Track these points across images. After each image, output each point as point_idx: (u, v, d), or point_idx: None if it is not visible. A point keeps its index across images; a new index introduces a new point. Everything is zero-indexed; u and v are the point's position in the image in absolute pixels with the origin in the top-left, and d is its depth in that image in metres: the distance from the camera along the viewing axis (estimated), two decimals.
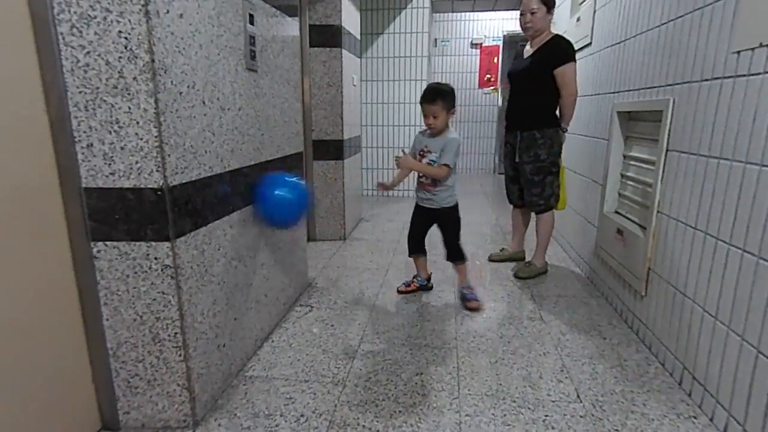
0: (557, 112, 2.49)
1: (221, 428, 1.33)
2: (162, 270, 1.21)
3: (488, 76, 6.79)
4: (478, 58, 6.71)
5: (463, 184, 5.87)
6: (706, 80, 1.46)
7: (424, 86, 5.12)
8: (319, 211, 3.32)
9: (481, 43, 6.64)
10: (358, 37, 3.66)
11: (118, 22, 1.07)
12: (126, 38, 1.08)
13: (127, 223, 1.17)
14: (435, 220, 2.23)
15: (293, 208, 1.70)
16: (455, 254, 2.25)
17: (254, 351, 1.74)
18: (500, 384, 1.54)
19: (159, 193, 1.15)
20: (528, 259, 2.78)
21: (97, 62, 1.09)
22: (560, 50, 2.37)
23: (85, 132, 1.12)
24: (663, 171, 1.71)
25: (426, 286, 2.38)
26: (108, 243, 1.19)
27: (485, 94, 6.83)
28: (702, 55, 1.49)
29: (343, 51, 3.12)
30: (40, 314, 1.11)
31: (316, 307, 2.17)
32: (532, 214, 2.68)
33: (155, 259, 1.20)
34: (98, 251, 1.19)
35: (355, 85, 3.62)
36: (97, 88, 1.10)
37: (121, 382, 1.28)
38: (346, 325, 1.97)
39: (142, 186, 1.15)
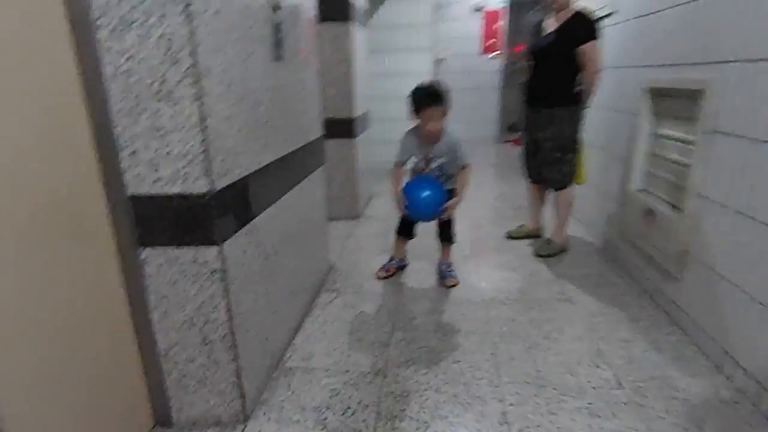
0: (580, 89, 2.44)
1: (271, 422, 1.37)
2: (211, 274, 1.21)
3: (492, 41, 6.59)
4: (482, 22, 6.49)
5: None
6: (755, 60, 1.42)
7: (429, 56, 5.02)
8: (332, 190, 3.29)
9: (483, 7, 6.41)
10: (366, 6, 3.52)
11: (160, 24, 1.02)
12: (168, 41, 1.03)
13: (174, 229, 1.16)
14: None
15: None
16: (449, 236, 2.27)
17: (289, 341, 1.77)
18: (538, 371, 1.58)
19: (206, 198, 1.14)
20: (546, 235, 2.80)
21: (140, 67, 1.05)
22: (583, 27, 2.30)
23: (129, 139, 1.10)
24: (702, 152, 1.68)
25: (403, 265, 2.40)
26: (156, 248, 1.18)
27: (490, 59, 6.65)
28: (751, 31, 1.43)
29: (354, 25, 3.01)
30: (91, 318, 1.11)
31: (342, 292, 2.19)
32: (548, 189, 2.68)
33: (203, 263, 1.20)
34: (146, 257, 1.19)
35: (364, 58, 3.52)
36: (140, 94, 1.06)
37: (173, 382, 1.31)
38: (375, 312, 2.00)
39: (189, 192, 1.13)
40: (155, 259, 1.19)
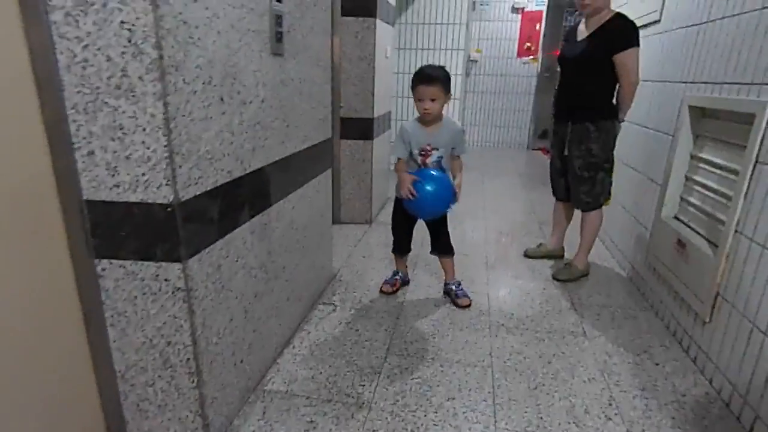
0: (614, 102, 2.21)
1: None
2: (173, 293, 1.08)
3: (528, 44, 6.31)
4: (519, 24, 6.21)
5: (495, 161, 5.59)
6: None
7: (462, 56, 4.82)
8: (344, 193, 3.16)
9: (523, 8, 6.13)
10: (393, 2, 3.35)
11: (120, 10, 0.89)
12: (129, 30, 0.90)
13: (134, 241, 1.04)
14: None
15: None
16: (445, 247, 2.08)
17: (274, 359, 1.64)
18: (541, 417, 1.39)
19: (168, 209, 1.01)
20: (567, 257, 2.59)
21: (97, 58, 0.92)
22: (622, 33, 2.06)
23: (85, 138, 0.97)
24: (748, 185, 1.46)
25: (406, 281, 2.26)
26: (113, 261, 1.06)
27: (524, 63, 6.38)
28: None
29: (378, 21, 2.85)
30: (42, 333, 1.00)
31: (340, 306, 2.05)
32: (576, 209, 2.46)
33: (165, 280, 1.07)
34: (103, 269, 1.07)
35: (387, 57, 3.36)
36: (98, 88, 0.94)
37: (130, 406, 1.19)
38: (372, 331, 1.85)
39: (150, 201, 1.01)
40: (113, 272, 1.07)
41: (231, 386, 1.33)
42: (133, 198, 1.01)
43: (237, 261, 1.30)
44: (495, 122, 6.65)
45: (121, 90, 0.94)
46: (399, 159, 1.94)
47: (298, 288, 1.83)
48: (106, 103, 0.95)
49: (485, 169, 4.94)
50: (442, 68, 1.86)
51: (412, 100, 1.92)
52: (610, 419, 1.40)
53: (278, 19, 1.42)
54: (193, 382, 1.16)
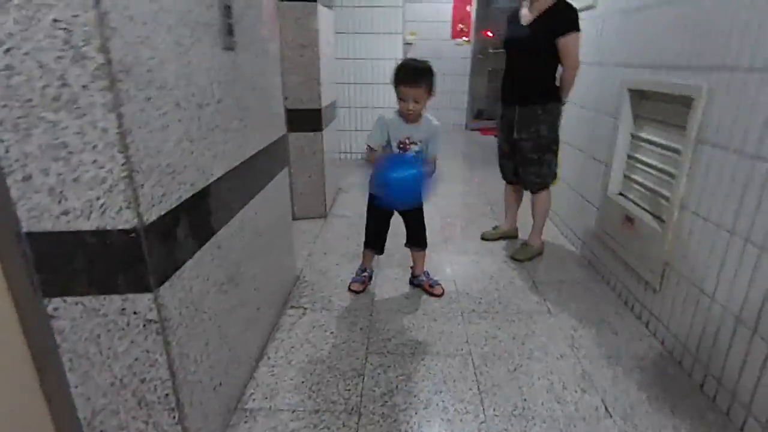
0: (557, 84, 2.29)
1: None
2: (144, 326, 0.96)
3: (461, 26, 6.39)
4: (451, 5, 6.26)
5: None
6: (749, 70, 1.31)
7: (399, 40, 4.76)
8: (297, 188, 3.04)
9: None
10: None
11: (50, 6, 0.74)
12: (66, 30, 0.76)
13: (91, 274, 0.91)
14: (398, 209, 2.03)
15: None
16: (421, 240, 2.08)
17: (250, 375, 1.55)
18: (525, 400, 1.44)
19: (132, 235, 0.89)
20: (521, 237, 2.69)
21: (25, 64, 0.77)
22: (564, 18, 2.14)
23: (18, 160, 0.82)
24: (690, 163, 1.58)
25: (370, 274, 2.21)
26: (68, 299, 0.92)
27: (457, 45, 6.47)
28: (750, 37, 1.31)
29: (318, 5, 2.72)
30: None
31: (310, 308, 1.98)
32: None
33: (134, 313, 0.95)
34: (55, 308, 0.93)
35: (330, 43, 3.24)
36: (29, 100, 0.79)
37: None
38: (347, 332, 1.81)
39: (109, 228, 0.88)
40: (68, 311, 0.93)
41: (213, 413, 1.23)
42: (86, 226, 0.87)
43: (207, 279, 1.19)
44: (432, 104, 6.69)
45: (60, 102, 0.80)
46: (371, 148, 1.86)
47: (268, 295, 1.74)
48: (42, 117, 0.80)
49: None
50: (427, 66, 1.75)
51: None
52: (586, 392, 1.48)
53: (227, 10, 1.29)
54: (174, 418, 1.06)
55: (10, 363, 0.91)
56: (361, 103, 4.61)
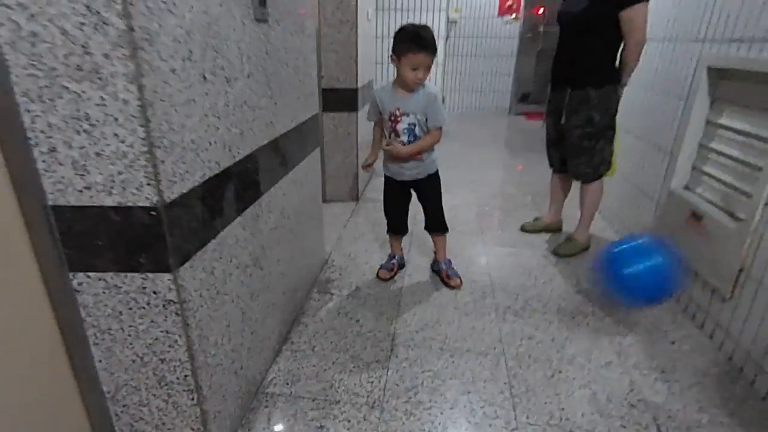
0: (616, 64, 2.09)
1: None
2: (163, 306, 0.94)
3: (510, 2, 6.07)
4: None
5: (477, 129, 5.43)
6: None
7: (444, 17, 4.56)
8: (329, 170, 2.99)
9: None
10: None
11: None
12: None
13: (113, 251, 0.89)
14: (416, 190, 1.95)
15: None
16: (440, 224, 1.99)
17: (273, 359, 1.53)
18: (562, 409, 1.34)
19: (153, 213, 0.86)
20: (565, 230, 2.53)
21: (49, 30, 0.74)
22: None
23: (43, 132, 0.80)
24: None
25: (402, 264, 2.15)
26: (91, 274, 0.91)
27: (505, 23, 6.15)
28: None
29: None
30: (16, 357, 0.86)
31: (336, 294, 1.94)
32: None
33: (154, 293, 0.93)
34: (80, 284, 0.92)
35: (369, 20, 3.13)
36: (54, 69, 0.76)
37: (124, 427, 1.08)
38: (373, 321, 1.76)
39: (130, 204, 0.85)
40: (92, 287, 0.92)
41: (232, 396, 1.22)
42: (108, 201, 0.85)
43: (231, 261, 1.16)
44: (475, 87, 6.44)
45: (83, 71, 0.77)
46: (374, 123, 1.85)
47: (294, 279, 1.71)
48: (66, 87, 0.77)
49: (468, 138, 4.80)
50: (429, 29, 1.66)
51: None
52: (634, 407, 1.36)
53: None
54: (192, 399, 1.05)
55: (38, 333, 0.91)
56: None
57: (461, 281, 2.01)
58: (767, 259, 1.41)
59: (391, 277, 2.05)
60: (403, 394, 1.39)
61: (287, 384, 1.43)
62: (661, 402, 1.37)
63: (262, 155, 1.32)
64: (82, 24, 0.74)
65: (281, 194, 1.52)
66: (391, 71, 4.55)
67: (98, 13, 0.73)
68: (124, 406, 1.05)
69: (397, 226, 2.05)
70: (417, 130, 1.75)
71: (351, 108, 2.87)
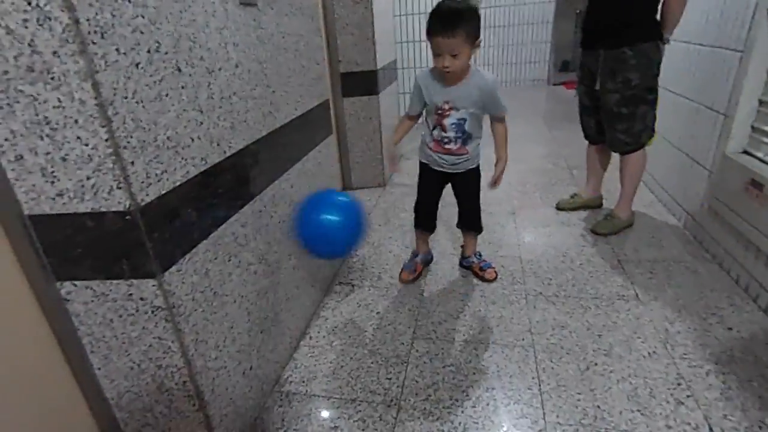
0: (657, 18, 1.85)
1: None
2: (152, 312, 0.91)
3: None
4: None
5: (512, 101, 5.14)
6: None
7: None
8: (353, 157, 2.92)
9: None
10: None
11: None
12: None
13: (94, 258, 0.86)
14: (453, 184, 1.75)
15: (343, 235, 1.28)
16: (474, 224, 1.82)
17: (290, 355, 1.50)
18: (598, 407, 1.21)
19: (127, 217, 0.81)
20: (606, 206, 2.33)
21: None
22: None
23: (7, 140, 0.77)
24: None
25: (429, 259, 1.98)
26: (77, 283, 0.89)
27: None
28: None
29: None
30: (15, 371, 0.86)
31: (357, 285, 1.88)
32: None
33: (140, 300, 0.90)
34: (68, 292, 0.90)
35: None
36: (6, 72, 0.72)
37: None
38: (394, 313, 1.68)
39: (103, 209, 0.81)
40: (80, 295, 0.90)
41: (242, 397, 1.19)
42: (82, 208, 0.81)
43: (229, 261, 1.11)
44: (510, 59, 6.10)
45: (35, 72, 0.72)
46: (406, 114, 1.66)
47: (309, 273, 1.66)
48: (21, 91, 0.73)
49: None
50: (466, 5, 1.39)
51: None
52: (682, 403, 1.20)
53: None
54: (194, 405, 1.02)
55: (37, 343, 0.90)
56: (425, 62, 4.30)
57: (496, 273, 1.85)
58: None
59: (415, 279, 1.89)
60: (422, 391, 1.31)
61: (303, 382, 1.39)
62: (713, 399, 1.21)
63: (261, 147, 1.26)
64: (26, 20, 0.69)
65: (289, 186, 1.46)
66: (417, 49, 4.38)
67: (39, 6, 0.67)
68: (129, 412, 1.04)
69: (424, 221, 1.86)
70: (467, 125, 1.55)
71: (372, 92, 2.77)
